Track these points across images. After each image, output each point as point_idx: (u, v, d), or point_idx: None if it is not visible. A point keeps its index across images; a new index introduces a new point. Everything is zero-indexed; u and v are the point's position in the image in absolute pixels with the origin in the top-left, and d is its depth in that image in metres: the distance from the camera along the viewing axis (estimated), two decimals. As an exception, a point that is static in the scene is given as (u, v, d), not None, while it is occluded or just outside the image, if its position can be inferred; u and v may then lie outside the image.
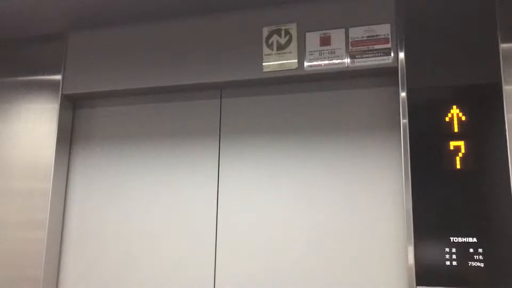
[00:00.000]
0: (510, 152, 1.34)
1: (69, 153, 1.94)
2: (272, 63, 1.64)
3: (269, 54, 1.65)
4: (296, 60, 1.62)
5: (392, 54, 1.54)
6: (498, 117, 1.36)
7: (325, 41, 1.61)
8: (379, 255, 1.52)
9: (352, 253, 1.55)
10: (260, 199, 1.68)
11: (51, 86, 1.91)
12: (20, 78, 1.97)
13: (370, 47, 1.56)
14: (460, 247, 1.33)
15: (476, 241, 1.33)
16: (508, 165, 1.33)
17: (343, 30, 1.60)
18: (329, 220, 1.59)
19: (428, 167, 1.40)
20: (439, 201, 1.38)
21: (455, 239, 1.34)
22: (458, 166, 1.38)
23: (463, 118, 1.40)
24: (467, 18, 1.46)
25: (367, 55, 1.56)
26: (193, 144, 1.80)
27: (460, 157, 1.38)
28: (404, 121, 1.45)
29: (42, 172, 1.83)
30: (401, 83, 1.48)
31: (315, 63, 1.61)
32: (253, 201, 1.68)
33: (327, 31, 1.62)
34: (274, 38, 1.66)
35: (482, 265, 1.31)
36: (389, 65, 1.54)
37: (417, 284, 1.35)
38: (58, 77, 1.91)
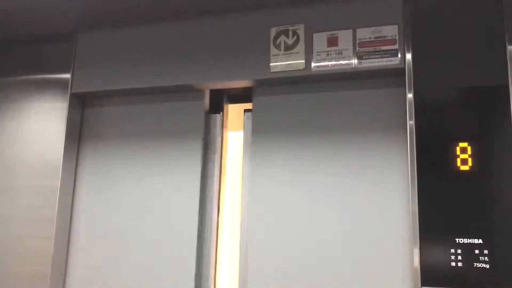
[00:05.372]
0: (516, 154, 1.34)
1: (78, 151, 1.96)
2: (279, 64, 1.65)
3: (277, 55, 1.66)
4: (303, 61, 1.63)
5: (399, 55, 1.54)
6: (504, 119, 1.36)
7: (333, 41, 1.62)
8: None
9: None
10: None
11: (60, 85, 1.93)
12: (29, 77, 1.99)
13: (377, 48, 1.57)
14: (465, 248, 1.34)
15: (481, 242, 1.33)
16: (514, 167, 1.33)
17: (351, 31, 1.61)
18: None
19: (434, 168, 1.40)
20: (445, 203, 1.38)
21: (461, 240, 1.35)
22: (465, 168, 1.38)
23: (470, 119, 1.40)
24: (475, 20, 1.46)
25: (374, 56, 1.57)
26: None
27: (466, 159, 1.39)
28: (410, 123, 1.45)
29: (50, 170, 1.85)
30: (408, 84, 1.48)
31: (322, 63, 1.61)
32: (277, 203, 1.69)
33: (335, 32, 1.62)
34: (282, 38, 1.66)
35: (487, 266, 1.31)
36: (396, 66, 1.54)
37: (422, 285, 1.35)
38: (67, 76, 1.93)
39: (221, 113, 1.87)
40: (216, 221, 1.79)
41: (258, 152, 1.71)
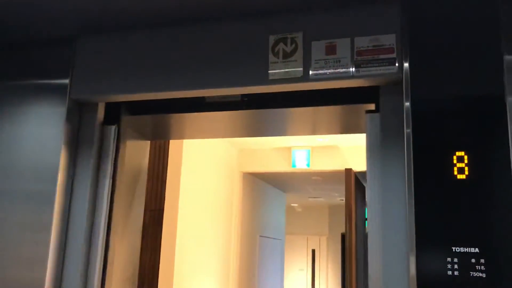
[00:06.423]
0: (513, 163, 1.34)
1: (76, 157, 1.95)
2: (277, 71, 1.66)
3: (275, 62, 1.66)
4: (301, 68, 1.64)
5: (397, 64, 1.55)
6: (501, 128, 1.37)
7: (331, 50, 1.62)
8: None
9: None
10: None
11: (59, 90, 1.92)
12: (27, 82, 1.98)
13: (375, 56, 1.57)
14: (462, 257, 1.34)
15: (478, 251, 1.33)
16: (511, 176, 1.34)
17: (349, 39, 1.61)
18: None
19: (431, 177, 1.41)
20: (441, 211, 1.38)
21: (457, 249, 1.35)
22: (461, 177, 1.39)
23: (467, 129, 1.41)
24: (472, 29, 1.47)
25: (372, 65, 1.57)
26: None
27: (463, 168, 1.39)
28: (408, 131, 1.45)
29: (48, 175, 1.84)
30: (405, 93, 1.49)
31: (320, 71, 1.62)
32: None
33: (333, 40, 1.63)
34: (280, 46, 1.67)
35: (483, 275, 1.31)
36: (394, 75, 1.54)
37: (418, 294, 1.35)
38: (65, 81, 1.92)
39: (117, 124, 1.92)
40: (105, 229, 1.84)
41: (388, 154, 1.58)
